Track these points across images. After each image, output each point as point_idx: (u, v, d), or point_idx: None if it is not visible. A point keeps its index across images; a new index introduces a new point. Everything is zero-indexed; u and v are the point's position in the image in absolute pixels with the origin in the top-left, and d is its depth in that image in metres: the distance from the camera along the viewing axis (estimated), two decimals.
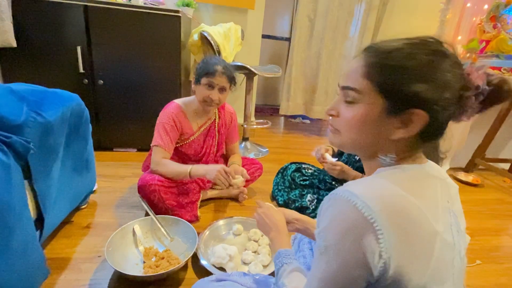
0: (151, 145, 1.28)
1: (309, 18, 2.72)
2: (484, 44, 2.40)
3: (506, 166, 2.46)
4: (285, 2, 3.26)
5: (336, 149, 1.52)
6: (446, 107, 0.44)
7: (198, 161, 1.43)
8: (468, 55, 2.24)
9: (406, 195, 0.42)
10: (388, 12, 2.74)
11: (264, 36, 2.66)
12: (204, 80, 1.24)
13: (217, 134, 1.42)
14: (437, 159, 0.59)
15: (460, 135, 2.14)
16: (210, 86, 1.24)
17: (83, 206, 1.35)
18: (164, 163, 1.24)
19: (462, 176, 2.23)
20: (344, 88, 0.49)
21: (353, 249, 0.40)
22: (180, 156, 1.41)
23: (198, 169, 1.21)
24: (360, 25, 2.74)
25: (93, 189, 1.41)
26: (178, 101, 1.34)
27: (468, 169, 2.40)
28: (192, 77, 1.30)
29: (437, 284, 0.43)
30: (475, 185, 2.15)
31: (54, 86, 1.08)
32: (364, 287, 0.42)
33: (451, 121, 0.47)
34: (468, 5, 2.76)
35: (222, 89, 1.27)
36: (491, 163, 2.29)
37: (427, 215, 0.42)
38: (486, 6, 2.71)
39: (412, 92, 0.43)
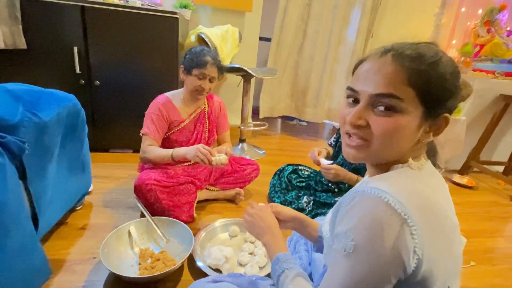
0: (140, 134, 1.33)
1: (303, 19, 2.74)
2: (478, 48, 2.43)
3: (500, 168, 2.49)
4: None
5: (331, 152, 1.52)
6: (456, 107, 0.47)
7: None
8: (462, 59, 2.27)
9: (430, 191, 0.43)
10: (380, 15, 2.77)
11: (261, 39, 2.67)
12: (195, 71, 1.29)
13: (207, 121, 1.46)
14: (436, 160, 0.60)
15: (454, 141, 2.16)
16: (202, 77, 1.29)
17: (78, 207, 1.34)
18: (150, 149, 1.28)
19: (457, 178, 2.25)
20: (382, 95, 0.44)
21: (388, 247, 0.39)
22: (172, 145, 1.42)
23: (179, 150, 1.24)
24: (355, 28, 2.78)
25: (89, 190, 1.41)
26: (166, 93, 1.40)
27: (463, 171, 2.42)
28: (180, 66, 1.35)
29: (453, 278, 0.44)
30: (469, 187, 2.17)
31: (50, 86, 1.08)
32: (392, 286, 0.41)
33: None
34: (463, 9, 2.80)
35: (212, 79, 1.33)
36: (485, 166, 2.32)
37: (447, 210, 0.44)
38: (480, 11, 2.76)
39: (449, 97, 0.45)
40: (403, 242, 0.39)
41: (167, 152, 1.25)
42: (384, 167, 0.50)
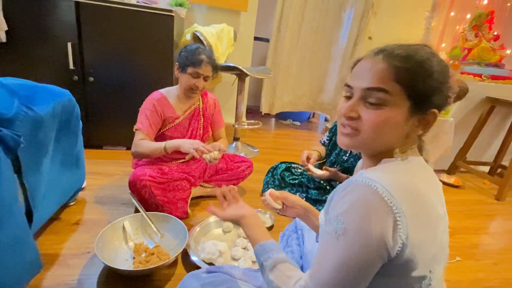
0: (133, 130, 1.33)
1: (298, 21, 2.83)
2: (466, 52, 2.50)
3: (486, 168, 2.57)
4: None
5: (323, 153, 1.55)
6: (446, 105, 0.51)
7: None
8: (451, 62, 2.34)
9: (418, 182, 0.47)
10: (371, 19, 2.84)
11: (256, 38, 2.70)
12: (190, 70, 1.29)
13: (202, 118, 1.47)
14: (427, 157, 0.63)
15: (444, 142, 2.22)
16: (196, 75, 1.30)
17: (71, 203, 1.34)
18: (141, 143, 1.27)
19: (444, 178, 2.31)
20: (372, 89, 0.49)
21: (374, 231, 0.42)
22: None
23: (173, 142, 1.24)
24: (347, 30, 2.87)
25: (82, 186, 1.40)
26: (161, 90, 1.40)
27: (450, 171, 2.50)
28: (175, 64, 1.35)
29: (439, 262, 0.48)
30: (456, 187, 2.24)
31: (43, 82, 1.07)
32: (379, 268, 0.45)
33: None
34: (452, 13, 2.88)
35: (206, 78, 1.34)
36: (472, 166, 2.40)
37: (433, 200, 0.47)
38: (469, 16, 2.84)
39: (435, 94, 0.48)
40: (388, 228, 0.42)
41: (160, 144, 1.24)
42: (376, 159, 0.54)
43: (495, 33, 2.50)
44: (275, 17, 2.74)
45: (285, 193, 0.82)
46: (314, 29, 2.91)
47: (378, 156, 0.53)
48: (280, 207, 0.82)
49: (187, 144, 1.19)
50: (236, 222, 0.70)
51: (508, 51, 2.76)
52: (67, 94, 1.12)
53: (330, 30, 2.94)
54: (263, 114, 3.16)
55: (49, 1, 1.65)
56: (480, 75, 2.36)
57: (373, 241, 0.43)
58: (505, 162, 2.44)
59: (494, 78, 2.37)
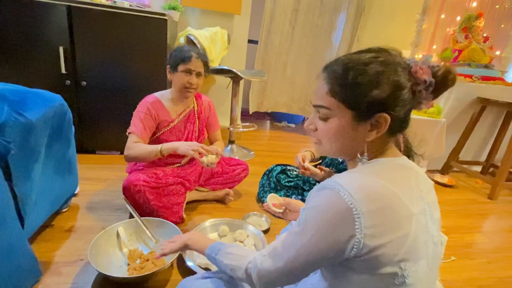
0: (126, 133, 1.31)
1: (291, 24, 2.88)
2: (457, 53, 2.55)
3: (479, 168, 2.61)
4: None
5: (316, 154, 1.55)
6: (403, 105, 0.51)
7: None
8: (442, 63, 2.37)
9: (384, 183, 0.48)
10: (364, 21, 2.88)
11: (250, 41, 2.71)
12: (181, 67, 1.29)
13: (197, 120, 1.46)
14: (413, 157, 0.64)
15: (436, 143, 2.25)
16: (188, 72, 1.29)
17: (64, 210, 1.32)
18: (135, 145, 1.24)
19: (438, 177, 2.34)
20: (315, 106, 0.57)
21: (330, 228, 0.47)
22: None
23: (170, 145, 1.23)
24: (340, 33, 2.90)
25: (75, 192, 1.38)
26: (155, 93, 1.39)
27: (443, 171, 2.52)
28: (167, 66, 1.35)
29: (413, 260, 0.48)
30: (450, 186, 2.27)
31: (34, 87, 1.06)
32: (336, 261, 0.49)
33: (413, 109, 0.54)
34: (443, 16, 2.93)
35: (198, 74, 1.33)
36: (464, 166, 2.43)
37: (403, 199, 0.48)
38: (458, 18, 2.89)
39: (369, 101, 0.50)
40: (345, 227, 0.46)
41: (155, 147, 1.22)
42: (353, 163, 0.58)
43: (485, 35, 2.55)
44: (263, 18, 2.78)
45: (287, 199, 0.88)
46: (307, 33, 2.94)
47: (354, 162, 0.57)
48: (281, 211, 0.91)
49: (184, 146, 1.18)
50: (185, 246, 0.79)
51: (497, 52, 2.82)
52: (58, 99, 1.11)
53: (325, 33, 2.97)
54: (250, 113, 3.20)
55: (41, 6, 1.63)
56: (471, 76, 2.40)
57: (327, 237, 0.47)
58: (497, 161, 2.48)
59: (485, 79, 2.41)
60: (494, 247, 1.54)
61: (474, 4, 2.93)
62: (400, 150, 0.61)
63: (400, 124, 0.54)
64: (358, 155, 0.55)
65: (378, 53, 0.52)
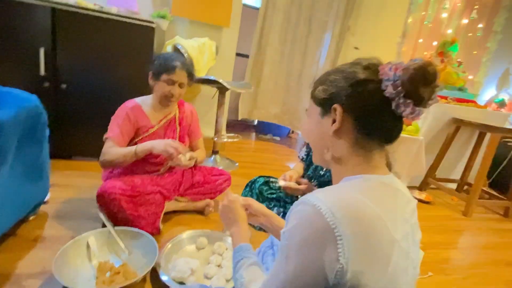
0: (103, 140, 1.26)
1: (280, 41, 2.98)
2: None
3: (454, 185, 2.71)
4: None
5: (301, 171, 1.56)
6: (364, 99, 0.51)
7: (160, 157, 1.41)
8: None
9: (368, 203, 0.45)
10: (347, 42, 3.02)
11: (238, 55, 2.75)
12: (164, 77, 1.26)
13: (178, 127, 1.43)
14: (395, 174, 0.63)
15: (415, 161, 2.31)
16: (171, 83, 1.27)
17: (31, 217, 1.23)
18: (110, 150, 1.20)
19: (416, 194, 2.40)
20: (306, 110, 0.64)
21: (312, 252, 0.42)
22: None
23: (145, 145, 1.19)
24: (326, 51, 3.03)
25: (45, 199, 1.31)
26: (135, 98, 1.36)
27: (421, 187, 2.60)
28: (149, 72, 1.32)
29: (395, 284, 0.44)
30: (427, 203, 2.33)
31: (10, 87, 1.02)
32: None
33: (401, 114, 0.51)
34: (420, 40, 3.11)
35: (181, 85, 1.31)
36: (440, 183, 2.51)
37: (387, 223, 0.44)
38: (435, 43, 3.08)
39: (327, 93, 0.55)
40: (327, 249, 0.41)
41: (130, 149, 1.18)
42: (339, 174, 0.56)
43: (459, 60, 2.72)
44: (255, 32, 2.87)
45: (249, 200, 0.84)
46: (296, 49, 3.05)
47: (339, 172, 0.56)
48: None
49: (160, 146, 1.15)
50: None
51: (470, 77, 3.01)
52: (33, 100, 1.06)
53: (312, 51, 3.07)
54: (239, 119, 3.23)
55: (24, 5, 1.58)
56: (446, 98, 2.53)
57: (310, 263, 0.43)
58: (470, 179, 2.59)
59: (459, 100, 2.55)
60: (469, 263, 1.58)
61: (449, 31, 3.13)
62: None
63: (366, 123, 0.52)
64: (325, 151, 0.57)
65: (348, 65, 0.57)
